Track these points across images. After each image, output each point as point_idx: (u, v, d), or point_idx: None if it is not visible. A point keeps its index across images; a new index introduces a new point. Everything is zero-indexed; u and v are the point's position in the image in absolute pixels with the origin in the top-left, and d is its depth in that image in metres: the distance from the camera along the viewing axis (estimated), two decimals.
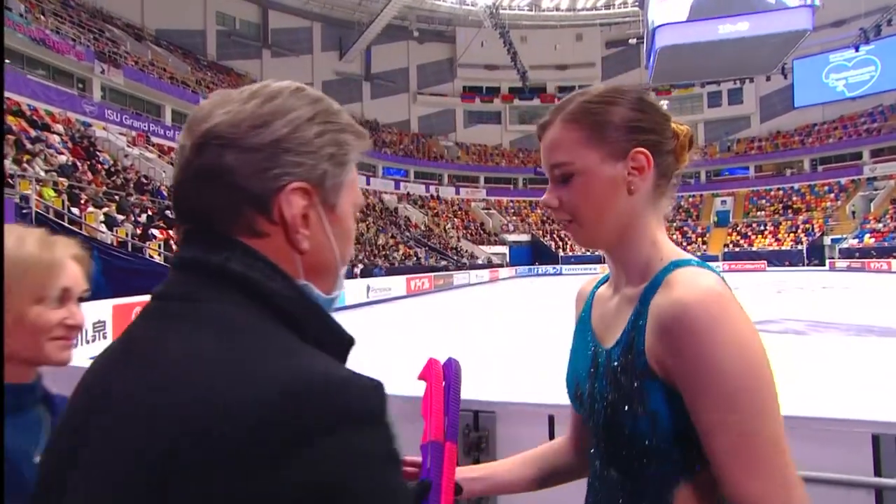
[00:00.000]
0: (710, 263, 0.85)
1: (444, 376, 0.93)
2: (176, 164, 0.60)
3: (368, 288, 20.01)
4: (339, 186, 0.62)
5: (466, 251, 39.26)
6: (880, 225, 38.60)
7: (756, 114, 50.73)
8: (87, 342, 8.26)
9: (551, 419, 1.56)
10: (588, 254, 43.73)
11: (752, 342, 0.70)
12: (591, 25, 50.84)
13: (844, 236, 39.54)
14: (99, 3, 33.01)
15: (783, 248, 41.29)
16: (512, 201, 50.65)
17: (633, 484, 0.80)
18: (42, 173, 15.04)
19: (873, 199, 41.85)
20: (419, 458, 0.89)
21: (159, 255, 13.78)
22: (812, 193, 45.72)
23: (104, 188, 16.89)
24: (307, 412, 0.46)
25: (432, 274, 27.10)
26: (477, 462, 1.54)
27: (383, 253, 29.45)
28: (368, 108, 48.81)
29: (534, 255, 44.28)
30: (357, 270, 22.38)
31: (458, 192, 49.12)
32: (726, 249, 42.76)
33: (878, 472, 1.32)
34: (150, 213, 16.91)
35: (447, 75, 52.33)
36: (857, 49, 38.86)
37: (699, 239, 44.85)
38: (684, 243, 43.92)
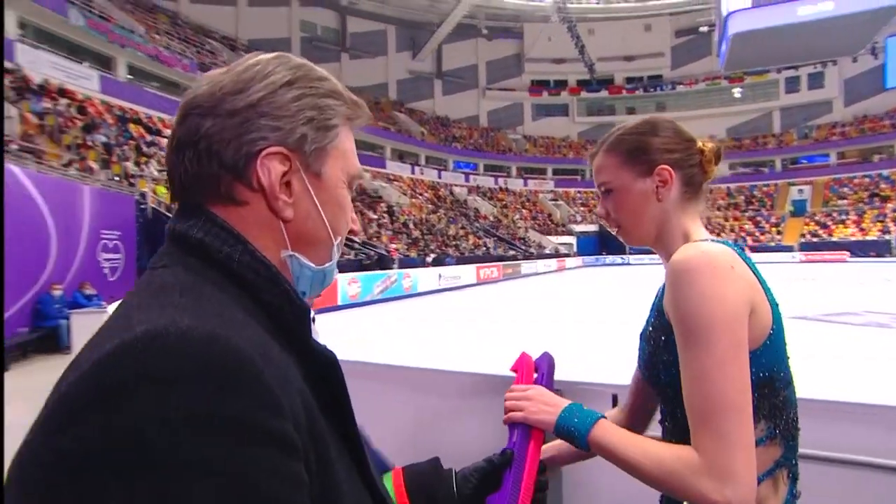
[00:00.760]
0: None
1: (537, 368, 1.00)
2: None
3: (440, 276, 20.23)
4: (322, 152, 0.58)
5: (534, 241, 38.77)
6: None
7: (839, 98, 46.59)
8: None
9: (615, 398, 1.58)
10: None
11: (720, 296, 0.78)
12: (661, 15, 48.41)
13: None
14: (201, 19, 34.98)
15: (868, 237, 37.84)
16: (579, 192, 49.40)
17: (680, 433, 0.88)
18: (156, 173, 16.17)
19: None
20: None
21: None
22: None
23: None
24: (126, 365, 0.40)
25: (501, 263, 26.95)
26: None
27: (454, 243, 29.61)
28: (439, 104, 49.03)
29: (601, 245, 43.08)
30: (429, 259, 22.68)
31: (525, 184, 48.50)
32: (803, 239, 39.77)
33: None
34: None
35: (515, 70, 51.60)
36: None
37: (773, 229, 41.94)
38: (757, 233, 41.30)
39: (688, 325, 0.80)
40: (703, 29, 45.55)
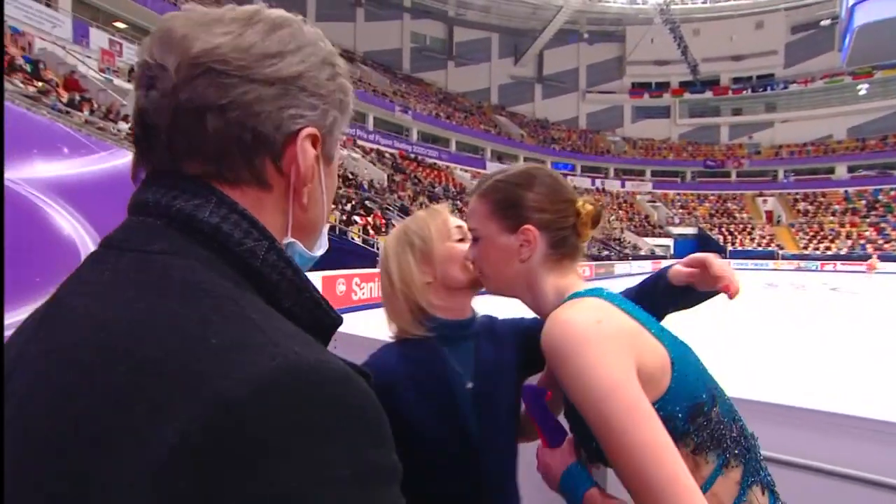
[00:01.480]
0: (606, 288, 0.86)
1: (529, 410, 0.94)
2: (140, 85, 0.44)
3: None
4: (338, 139, 0.52)
5: (629, 242, 36.91)
6: None
7: None
8: None
9: None
10: (759, 249, 38.38)
11: (594, 367, 0.71)
12: (774, 11, 43.88)
13: None
14: (325, 35, 36.77)
15: None
16: (679, 194, 46.28)
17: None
18: None
19: None
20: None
21: (359, 237, 15.09)
22: None
23: None
24: (275, 409, 0.33)
25: (594, 262, 25.97)
26: None
27: None
28: (539, 107, 48.15)
29: (700, 248, 39.90)
30: None
31: (623, 185, 46.24)
32: None
33: None
34: (353, 203, 18.60)
35: (615, 73, 49.31)
36: None
37: None
38: (880, 240, 36.20)
39: (583, 407, 0.72)
40: (825, 23, 40.76)
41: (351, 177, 22.25)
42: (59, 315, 0.39)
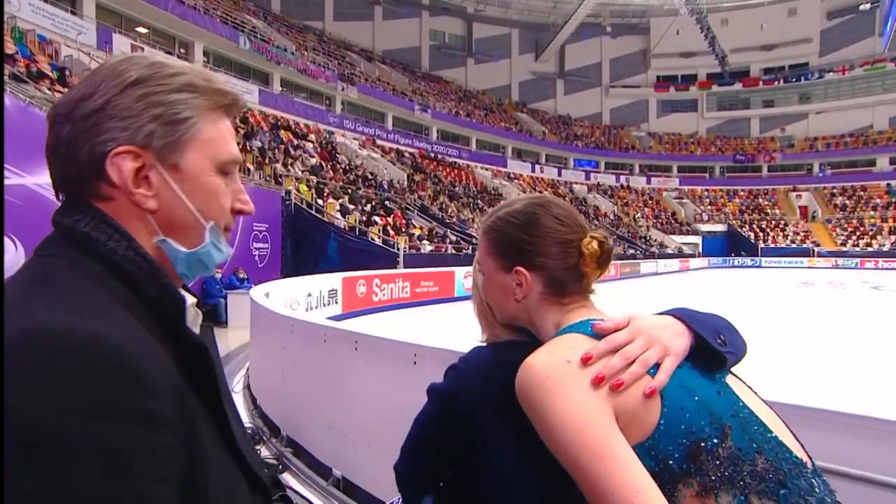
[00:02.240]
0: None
1: None
2: None
3: None
4: (176, 145, 0.59)
5: (656, 240, 36.35)
6: None
7: None
8: (324, 305, 9.43)
9: None
10: (793, 246, 37.37)
11: (562, 411, 0.68)
12: None
13: None
14: (343, 34, 37.38)
15: None
16: (707, 190, 45.39)
17: None
18: (299, 173, 17.55)
19: None
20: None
21: (379, 237, 15.17)
22: None
23: (341, 183, 19.15)
24: (19, 360, 0.42)
25: (619, 262, 25.61)
26: None
27: None
28: (561, 103, 47.74)
29: (730, 246, 39.21)
30: None
31: (649, 182, 45.58)
32: None
33: None
34: (373, 203, 18.72)
35: (640, 67, 48.62)
36: None
37: None
38: None
39: (556, 454, 0.69)
40: (864, 7, 39.50)
41: (370, 177, 22.41)
42: None
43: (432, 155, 32.09)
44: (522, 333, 0.93)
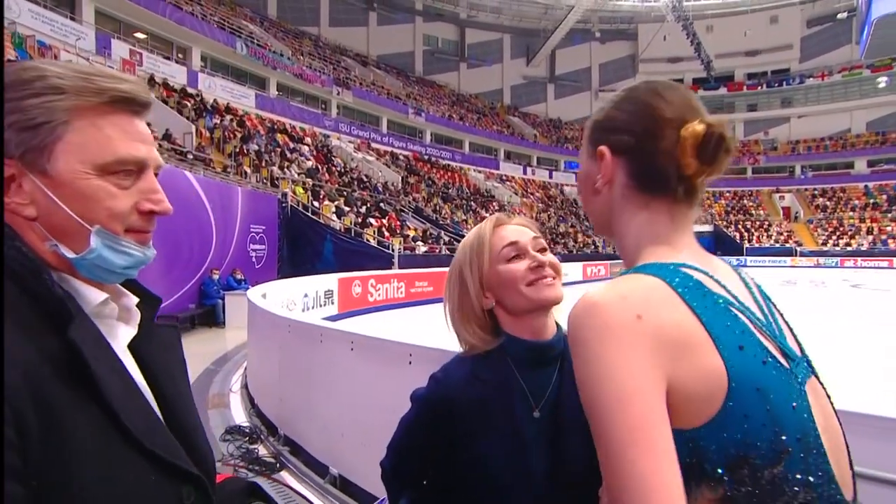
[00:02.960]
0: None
1: None
2: None
3: None
4: (41, 151, 0.57)
5: None
6: None
7: None
8: (320, 306, 9.41)
9: None
10: (776, 246, 37.65)
11: (612, 368, 0.57)
12: (790, 5, 43.08)
13: None
14: (338, 40, 37.27)
15: None
16: None
17: None
18: (295, 175, 17.49)
19: None
20: None
21: (374, 239, 15.15)
22: None
23: (336, 186, 19.09)
24: None
25: (609, 261, 25.77)
26: None
27: (562, 240, 28.82)
28: (552, 107, 47.83)
29: (716, 246, 39.34)
30: None
31: None
32: None
33: None
34: (368, 205, 18.68)
35: (629, 71, 48.74)
36: None
37: None
38: None
39: (587, 411, 0.58)
40: (842, 16, 39.89)
41: (365, 179, 22.36)
42: None
43: (426, 158, 32.06)
44: (497, 337, 0.93)
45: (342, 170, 22.14)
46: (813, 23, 43.85)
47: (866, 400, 1.41)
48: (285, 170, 17.41)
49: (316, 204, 15.58)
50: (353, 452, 2.96)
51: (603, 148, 0.71)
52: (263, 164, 16.59)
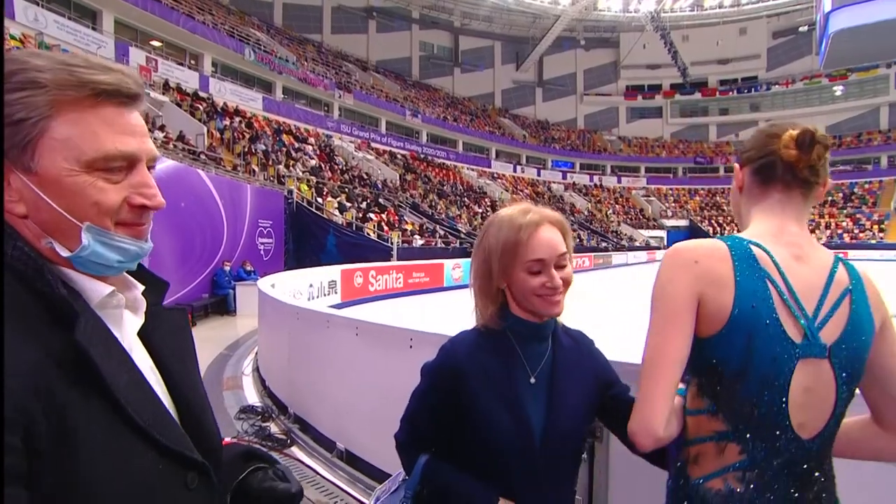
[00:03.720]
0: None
1: None
2: None
3: None
4: (24, 148, 0.52)
5: (626, 234, 36.64)
6: None
7: None
8: (324, 295, 9.41)
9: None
10: None
11: (665, 282, 0.85)
12: (757, 18, 43.11)
13: None
14: (340, 46, 36.95)
15: None
16: (671, 189, 45.78)
17: None
18: (300, 173, 17.40)
19: None
20: None
21: (374, 232, 15.14)
22: None
23: (338, 183, 19.02)
24: None
25: (592, 254, 25.83)
26: None
27: None
28: (540, 109, 47.72)
29: (692, 238, 39.65)
30: None
31: (619, 181, 45.82)
32: None
33: None
34: (368, 201, 18.64)
35: (611, 77, 48.73)
36: None
37: (875, 227, 35.73)
38: (856, 230, 35.71)
39: (651, 305, 0.86)
40: (803, 29, 40.02)
41: (365, 177, 22.29)
42: None
43: (422, 157, 31.96)
44: (504, 320, 0.99)
45: (344, 168, 22.04)
46: (778, 34, 43.94)
47: None
48: (291, 168, 17.32)
49: (319, 200, 15.53)
50: (359, 428, 3.00)
51: (737, 164, 0.96)
52: (270, 162, 16.50)
